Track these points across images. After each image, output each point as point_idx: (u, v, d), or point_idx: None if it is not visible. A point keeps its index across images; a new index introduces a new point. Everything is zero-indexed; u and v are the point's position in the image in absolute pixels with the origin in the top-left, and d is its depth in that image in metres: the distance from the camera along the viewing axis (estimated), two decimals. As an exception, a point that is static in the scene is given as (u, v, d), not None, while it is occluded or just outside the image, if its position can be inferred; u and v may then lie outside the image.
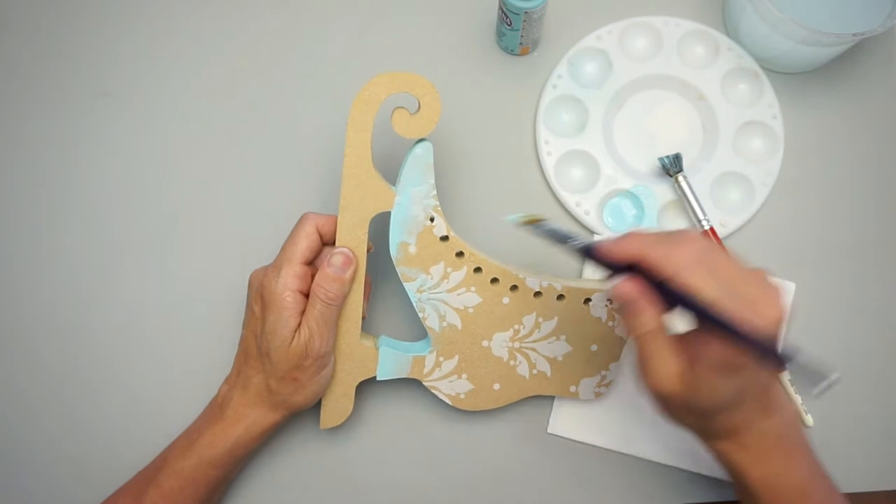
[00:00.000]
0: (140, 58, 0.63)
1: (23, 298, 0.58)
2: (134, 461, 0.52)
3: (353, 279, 0.49)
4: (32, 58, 0.63)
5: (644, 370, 0.42)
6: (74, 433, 0.56)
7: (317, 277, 0.48)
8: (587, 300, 0.51)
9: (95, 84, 0.62)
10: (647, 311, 0.41)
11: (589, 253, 0.44)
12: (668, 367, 0.41)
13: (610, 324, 0.52)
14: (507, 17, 0.57)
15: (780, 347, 0.38)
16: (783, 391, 0.44)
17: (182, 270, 0.59)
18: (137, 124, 0.61)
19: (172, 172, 0.60)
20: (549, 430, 0.55)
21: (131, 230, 0.59)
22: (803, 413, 0.55)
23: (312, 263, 0.50)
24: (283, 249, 0.49)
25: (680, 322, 0.44)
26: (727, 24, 0.62)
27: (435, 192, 0.50)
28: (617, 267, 0.42)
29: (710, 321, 0.39)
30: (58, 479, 0.56)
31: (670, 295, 0.40)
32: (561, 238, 0.45)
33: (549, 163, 0.59)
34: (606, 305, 0.51)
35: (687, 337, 0.42)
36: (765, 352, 0.37)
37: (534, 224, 0.47)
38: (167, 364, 0.57)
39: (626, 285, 0.41)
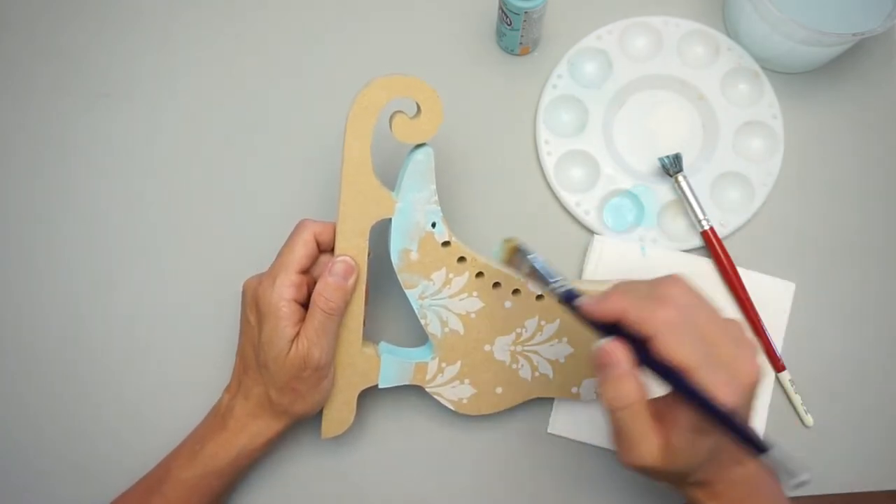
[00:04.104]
0: (140, 58, 0.63)
1: (21, 300, 0.58)
2: (134, 467, 0.52)
3: (354, 288, 0.49)
4: (32, 58, 0.63)
5: (620, 444, 0.40)
6: (74, 439, 0.56)
7: (317, 286, 0.47)
8: None
9: (95, 84, 0.62)
10: (630, 383, 0.38)
11: (569, 304, 0.41)
12: (649, 443, 0.39)
13: None
14: (507, 17, 0.57)
15: (756, 431, 0.36)
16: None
17: (181, 272, 0.59)
18: (137, 125, 0.61)
19: (171, 174, 0.60)
20: (549, 430, 0.55)
21: (129, 231, 0.59)
22: (803, 413, 0.55)
23: (309, 272, 0.49)
24: (278, 257, 0.48)
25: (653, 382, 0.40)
26: (727, 24, 0.62)
27: (436, 197, 0.49)
28: (598, 325, 0.40)
29: (685, 393, 0.37)
30: (57, 485, 0.56)
31: (647, 359, 0.38)
32: (543, 277, 0.43)
33: (549, 163, 0.59)
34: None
35: (660, 401, 0.40)
36: (743, 437, 0.36)
37: (517, 255, 0.44)
38: (166, 369, 0.57)
39: (609, 350, 0.38)
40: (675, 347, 0.37)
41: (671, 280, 0.40)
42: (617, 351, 0.38)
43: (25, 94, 0.62)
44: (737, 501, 0.41)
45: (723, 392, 0.36)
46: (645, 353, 0.38)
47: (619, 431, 0.39)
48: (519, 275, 0.46)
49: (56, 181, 0.60)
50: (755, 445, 0.36)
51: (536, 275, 0.43)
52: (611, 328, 0.39)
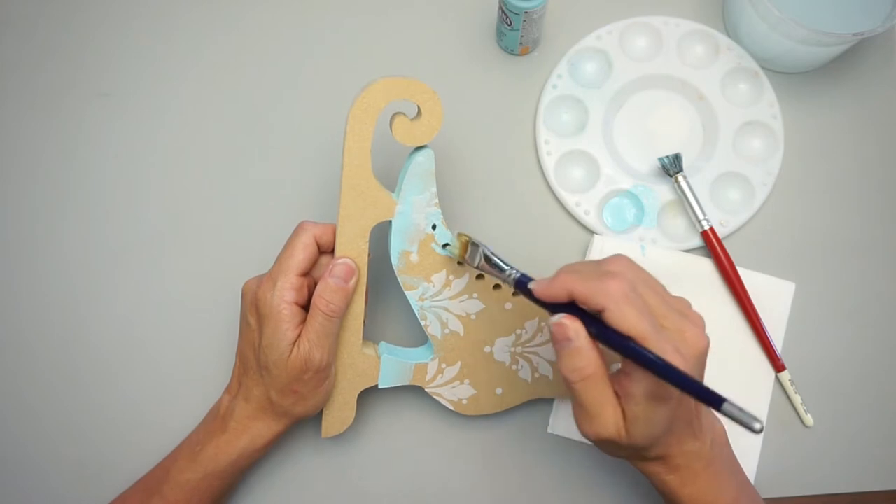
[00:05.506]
0: (140, 58, 0.63)
1: (20, 300, 0.58)
2: (134, 467, 0.52)
3: (355, 290, 0.49)
4: (32, 57, 0.63)
5: (581, 416, 0.40)
6: (74, 439, 0.56)
7: (318, 288, 0.47)
8: None
9: (95, 84, 0.62)
10: (586, 354, 0.39)
11: (522, 289, 0.43)
12: (607, 414, 0.39)
13: None
14: (507, 17, 0.57)
15: (706, 382, 0.38)
16: (710, 414, 0.44)
17: (180, 273, 0.59)
18: (136, 125, 0.61)
19: (171, 174, 0.60)
20: (549, 430, 0.55)
21: (129, 231, 0.59)
22: (803, 413, 0.55)
23: (309, 274, 0.49)
24: (278, 260, 0.48)
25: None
26: (727, 24, 0.62)
27: (437, 199, 0.49)
28: (553, 305, 0.41)
29: (639, 360, 0.38)
30: (57, 485, 0.56)
31: (601, 331, 0.39)
32: (498, 266, 0.45)
33: (549, 163, 0.59)
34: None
35: (614, 376, 0.40)
36: (699, 394, 0.37)
37: (470, 248, 0.47)
38: (166, 369, 0.57)
39: (564, 324, 0.39)
40: (627, 317, 0.37)
41: (616, 258, 0.41)
42: (572, 325, 0.39)
43: (25, 93, 0.62)
44: (695, 473, 0.42)
45: (673, 359, 0.37)
46: (597, 327, 0.39)
47: (579, 404, 0.40)
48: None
49: (56, 181, 0.60)
50: (711, 400, 0.36)
51: (491, 264, 0.46)
52: (565, 308, 0.40)
